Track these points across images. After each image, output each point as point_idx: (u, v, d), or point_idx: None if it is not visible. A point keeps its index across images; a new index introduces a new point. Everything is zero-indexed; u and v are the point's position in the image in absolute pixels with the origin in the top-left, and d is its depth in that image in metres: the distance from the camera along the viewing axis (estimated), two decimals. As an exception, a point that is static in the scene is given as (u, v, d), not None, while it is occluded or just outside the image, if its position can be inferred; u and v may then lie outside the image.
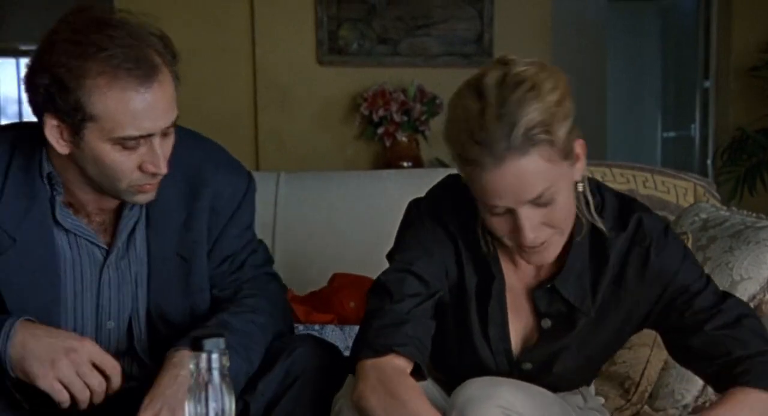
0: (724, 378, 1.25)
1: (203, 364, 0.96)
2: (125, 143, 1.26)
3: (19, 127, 1.41)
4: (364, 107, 3.90)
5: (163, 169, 1.30)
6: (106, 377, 1.30)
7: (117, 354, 1.39)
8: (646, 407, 1.74)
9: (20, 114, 7.28)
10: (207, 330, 1.35)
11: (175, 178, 1.39)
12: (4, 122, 7.20)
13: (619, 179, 2.10)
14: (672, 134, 6.55)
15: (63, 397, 1.27)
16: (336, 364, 1.38)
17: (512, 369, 1.37)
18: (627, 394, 1.74)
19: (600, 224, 1.29)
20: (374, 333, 1.28)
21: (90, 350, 1.29)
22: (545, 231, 1.22)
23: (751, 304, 1.64)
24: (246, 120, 4.02)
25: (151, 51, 1.26)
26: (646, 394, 1.74)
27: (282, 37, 4.02)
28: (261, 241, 1.56)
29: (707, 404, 1.66)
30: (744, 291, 1.65)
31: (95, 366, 1.29)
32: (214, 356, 0.96)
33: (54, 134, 1.28)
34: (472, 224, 1.32)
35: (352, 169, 3.83)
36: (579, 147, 1.23)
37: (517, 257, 1.32)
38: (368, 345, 1.27)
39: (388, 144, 3.87)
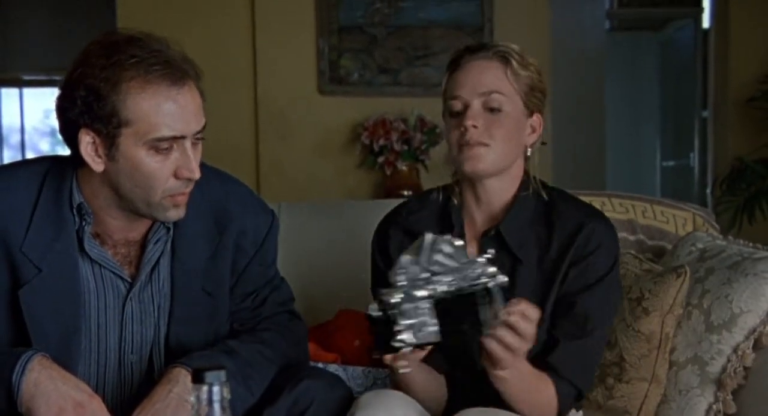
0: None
1: (204, 396, 0.96)
2: (159, 146, 1.30)
3: (50, 160, 1.44)
4: (365, 136, 3.92)
5: (197, 174, 1.34)
6: None
7: (138, 387, 1.41)
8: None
9: (23, 143, 7.32)
10: (209, 358, 1.36)
11: (202, 213, 1.43)
12: (6, 152, 7.26)
13: (618, 209, 2.10)
14: (671, 163, 6.58)
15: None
16: (343, 397, 1.39)
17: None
18: (627, 426, 1.73)
19: (542, 193, 1.53)
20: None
21: (96, 409, 1.29)
22: (482, 134, 1.47)
23: (751, 337, 1.64)
24: (247, 149, 4.04)
25: (178, 61, 1.33)
26: (646, 427, 1.73)
27: (283, 66, 4.06)
28: (283, 279, 1.59)
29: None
30: (744, 324, 1.64)
31: None
32: (215, 388, 0.96)
33: (89, 151, 1.32)
34: (433, 209, 1.58)
35: (352, 198, 3.84)
36: (537, 119, 1.53)
37: (472, 209, 1.54)
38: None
39: (388, 173, 3.88)
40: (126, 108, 1.28)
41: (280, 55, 4.05)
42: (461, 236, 1.52)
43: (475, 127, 1.47)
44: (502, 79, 1.49)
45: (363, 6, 4.07)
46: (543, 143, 1.58)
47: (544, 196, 1.54)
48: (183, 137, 1.32)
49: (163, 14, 3.90)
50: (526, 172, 1.56)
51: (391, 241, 1.58)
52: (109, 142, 1.30)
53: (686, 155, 6.01)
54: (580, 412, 1.56)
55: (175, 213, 1.37)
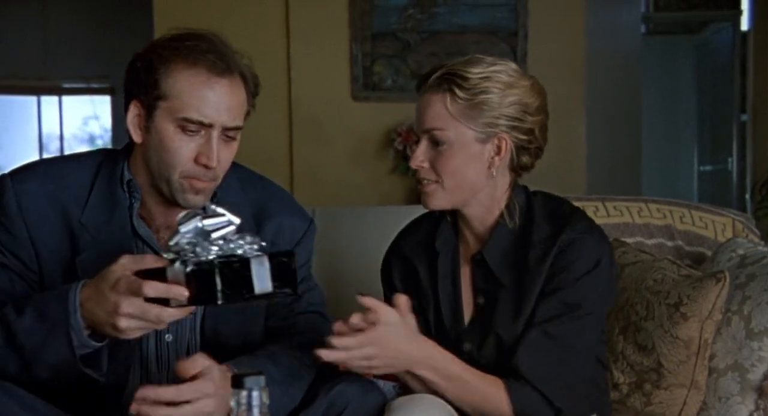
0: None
1: (243, 401, 0.97)
2: (187, 127, 1.37)
3: (105, 150, 1.56)
4: (398, 142, 3.92)
5: (214, 163, 1.39)
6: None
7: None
8: (685, 447, 1.71)
9: (62, 151, 7.43)
10: (253, 361, 1.37)
11: (241, 210, 1.46)
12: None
13: (656, 214, 2.08)
14: (709, 168, 6.50)
15: (154, 330, 1.27)
16: (377, 402, 1.40)
17: (456, 347, 1.48)
18: (666, 434, 1.71)
19: (513, 219, 1.50)
20: None
21: (126, 290, 1.21)
22: (429, 172, 1.46)
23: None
24: (281, 155, 4.06)
25: (234, 61, 1.41)
26: (686, 434, 1.71)
27: (317, 72, 4.08)
28: (317, 285, 1.62)
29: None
30: (785, 330, 1.62)
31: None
32: (255, 393, 0.97)
33: (134, 122, 1.42)
34: (428, 231, 1.58)
35: (386, 204, 3.84)
36: (501, 141, 1.45)
37: (464, 230, 1.54)
38: None
39: (422, 178, 3.88)
40: (167, 82, 1.37)
41: (314, 61, 4.07)
42: (454, 259, 1.55)
43: (422, 166, 1.47)
44: (440, 112, 1.44)
45: (396, 12, 4.07)
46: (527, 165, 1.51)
47: (516, 221, 1.50)
48: (210, 126, 1.38)
49: (199, 23, 3.93)
50: (511, 195, 1.52)
51: (393, 270, 1.62)
52: (148, 113, 1.39)
53: (724, 160, 5.93)
54: None
55: (194, 199, 1.41)
